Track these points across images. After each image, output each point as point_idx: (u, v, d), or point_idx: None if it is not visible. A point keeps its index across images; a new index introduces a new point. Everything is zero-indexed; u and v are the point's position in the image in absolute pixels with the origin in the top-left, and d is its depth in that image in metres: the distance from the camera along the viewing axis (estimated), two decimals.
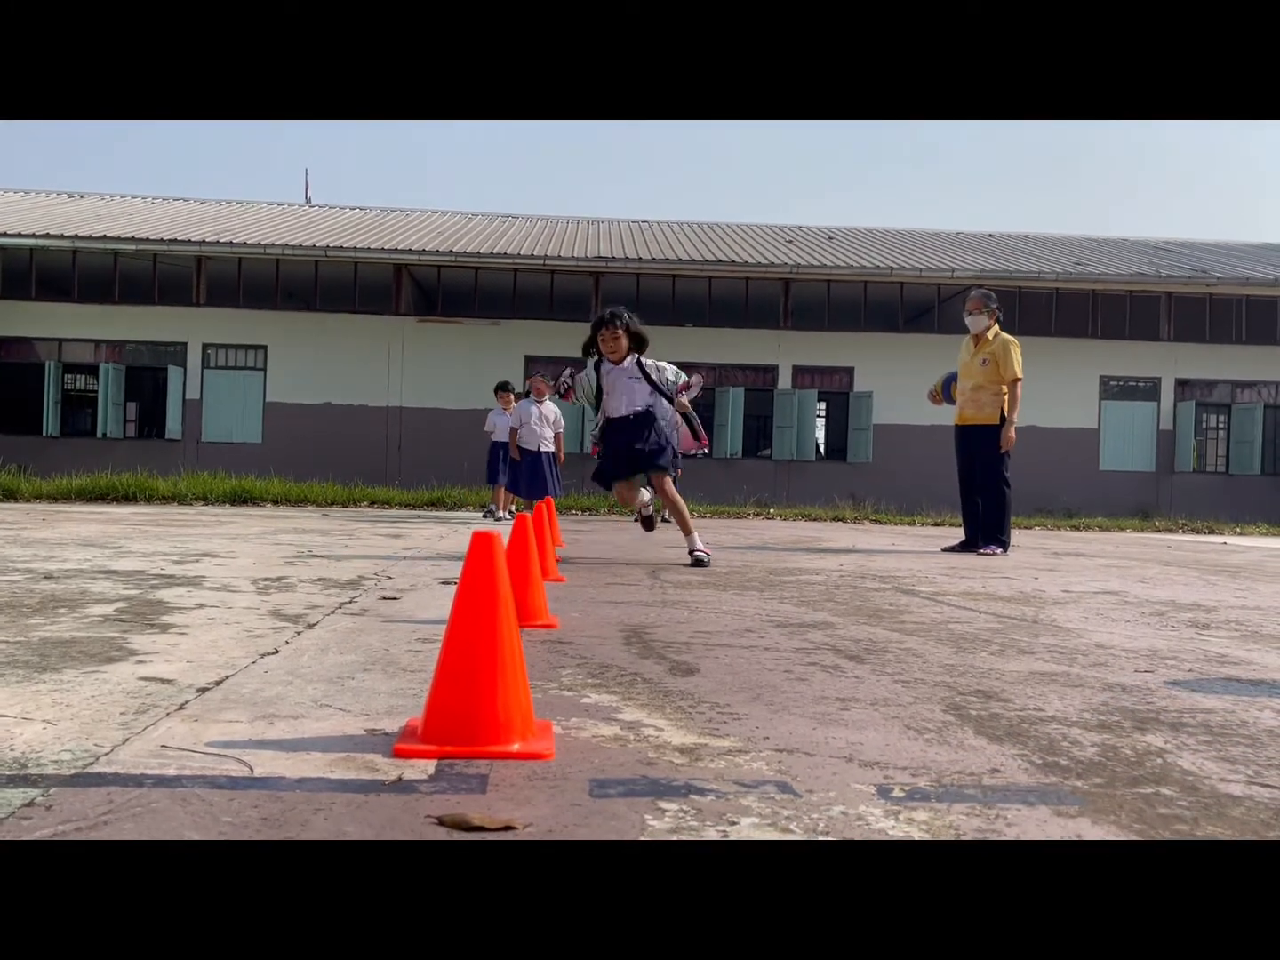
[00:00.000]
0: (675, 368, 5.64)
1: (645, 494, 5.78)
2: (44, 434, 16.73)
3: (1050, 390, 16.58)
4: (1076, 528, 13.33)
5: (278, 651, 2.34)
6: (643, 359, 5.53)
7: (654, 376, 5.49)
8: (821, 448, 20.27)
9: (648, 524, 6.05)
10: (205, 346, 17.17)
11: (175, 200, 23.33)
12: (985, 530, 7.04)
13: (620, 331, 5.41)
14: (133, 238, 16.66)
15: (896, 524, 12.77)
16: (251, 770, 1.40)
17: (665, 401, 5.57)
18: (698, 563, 5.15)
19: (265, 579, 3.89)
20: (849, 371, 17.69)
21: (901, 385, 16.57)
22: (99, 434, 16.85)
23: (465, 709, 1.54)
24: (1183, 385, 17.85)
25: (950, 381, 7.47)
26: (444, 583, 3.97)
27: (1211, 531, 13.43)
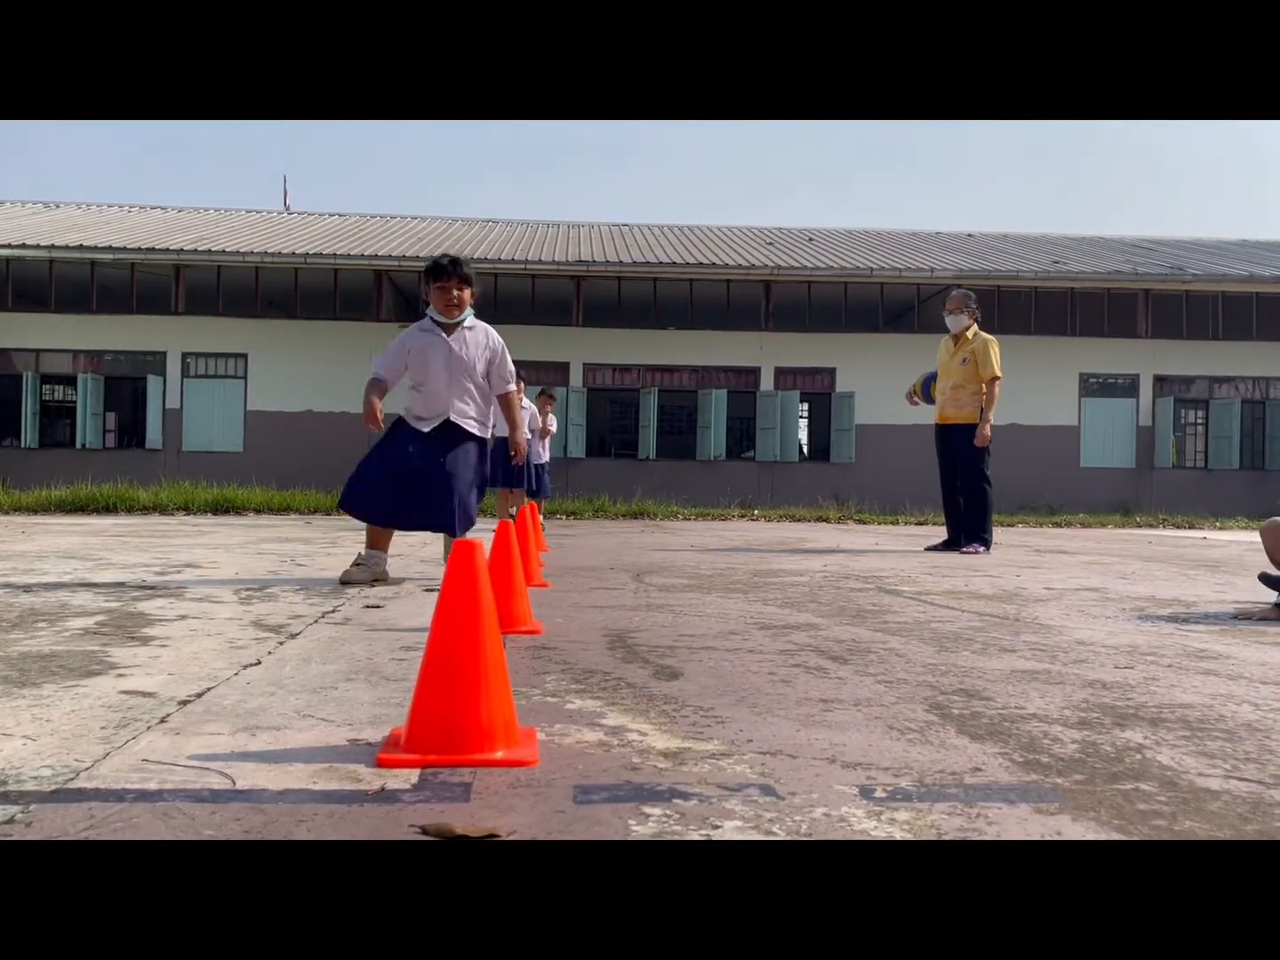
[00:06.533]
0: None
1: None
2: (22, 445, 16.59)
3: (1030, 388, 16.70)
4: (1058, 525, 13.41)
5: (260, 662, 2.33)
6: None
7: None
8: (804, 449, 20.33)
9: None
10: (185, 355, 17.07)
11: (153, 209, 23.18)
12: (967, 529, 7.08)
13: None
14: (110, 247, 16.55)
15: (880, 523, 12.82)
16: (234, 783, 1.40)
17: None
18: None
19: (248, 589, 3.87)
20: (831, 372, 17.75)
21: (883, 385, 16.63)
22: (78, 445, 16.72)
23: (448, 718, 1.53)
24: (1161, 381, 18.00)
25: (929, 381, 7.51)
26: (427, 589, 3.96)
27: (1191, 526, 13.54)
